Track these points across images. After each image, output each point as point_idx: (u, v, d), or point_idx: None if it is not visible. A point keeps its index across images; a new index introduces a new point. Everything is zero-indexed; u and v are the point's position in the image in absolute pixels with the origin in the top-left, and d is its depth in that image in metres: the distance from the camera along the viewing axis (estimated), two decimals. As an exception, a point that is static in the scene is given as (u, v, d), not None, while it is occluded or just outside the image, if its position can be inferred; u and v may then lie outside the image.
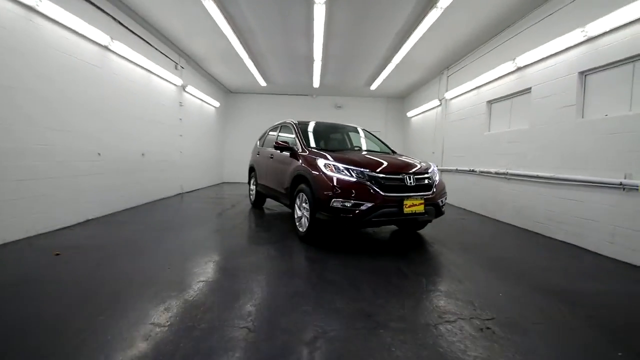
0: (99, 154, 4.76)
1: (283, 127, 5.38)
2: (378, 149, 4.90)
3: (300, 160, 4.04)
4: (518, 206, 5.14)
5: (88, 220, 4.45)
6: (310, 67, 8.10)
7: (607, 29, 3.64)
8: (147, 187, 6.17)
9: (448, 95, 7.78)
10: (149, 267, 2.88)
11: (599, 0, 3.80)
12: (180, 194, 7.76)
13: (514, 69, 5.28)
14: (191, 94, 8.25)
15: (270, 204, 6.60)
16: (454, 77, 7.65)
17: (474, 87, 6.61)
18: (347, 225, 3.49)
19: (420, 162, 3.96)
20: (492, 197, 5.87)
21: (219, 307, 2.16)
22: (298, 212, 3.97)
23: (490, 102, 6.20)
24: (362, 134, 5.30)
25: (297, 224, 3.98)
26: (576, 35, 3.98)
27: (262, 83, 9.64)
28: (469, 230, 4.90)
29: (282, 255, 3.37)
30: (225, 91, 11.27)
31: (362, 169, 3.40)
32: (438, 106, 8.53)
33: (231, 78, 9.58)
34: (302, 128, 4.74)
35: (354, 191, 3.28)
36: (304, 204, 3.80)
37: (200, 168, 9.33)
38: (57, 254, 3.06)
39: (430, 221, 4.06)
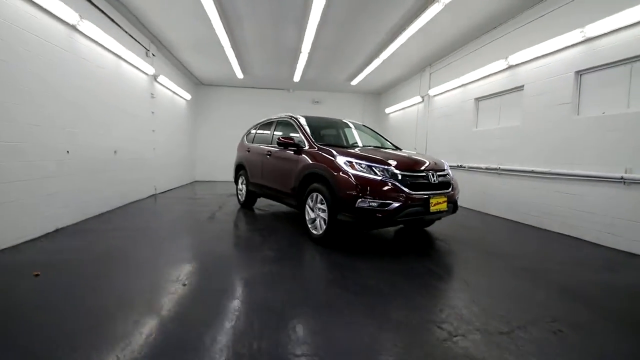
0: (67, 151, 4.06)
1: (280, 122, 5.04)
2: (384, 146, 4.76)
3: (310, 158, 3.77)
4: (511, 200, 5.32)
5: (58, 230, 3.78)
6: (295, 60, 7.76)
7: (606, 31, 3.82)
8: (120, 188, 5.46)
9: (432, 92, 7.89)
10: (141, 291, 2.39)
11: (594, 2, 3.98)
12: (154, 195, 7.04)
13: (505, 67, 5.43)
14: (163, 85, 7.50)
15: (260, 203, 6.21)
16: (437, 74, 7.78)
17: (461, 84, 6.74)
18: (371, 227, 3.30)
19: (434, 159, 3.89)
20: (482, 192, 6.04)
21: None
22: (311, 214, 3.70)
23: (478, 99, 6.37)
24: (366, 130, 5.13)
25: (310, 226, 3.71)
26: (574, 36, 4.14)
27: (240, 75, 9.08)
28: (467, 225, 4.97)
29: (305, 263, 3.10)
30: (196, 83, 10.48)
31: (386, 167, 3.23)
32: (420, 103, 8.65)
33: (205, 69, 8.88)
34: (307, 123, 4.45)
35: (381, 190, 3.10)
36: (319, 205, 3.54)
37: (173, 166, 8.57)
38: (37, 275, 2.50)
39: (439, 218, 4.02)
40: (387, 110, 10.79)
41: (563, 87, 4.45)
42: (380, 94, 11.76)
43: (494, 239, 4.22)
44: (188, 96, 9.26)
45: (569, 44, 4.28)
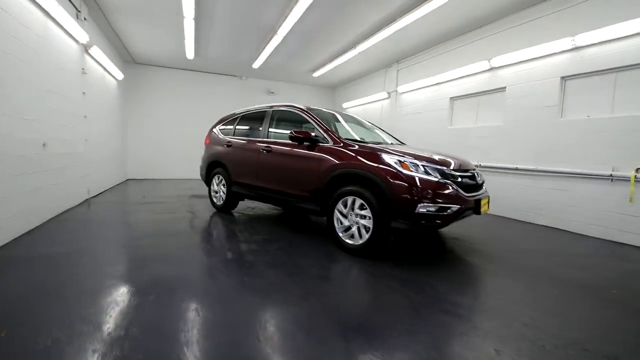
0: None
1: (278, 113, 4.33)
2: (390, 141, 4.47)
3: (337, 156, 3.26)
4: (494, 196, 5.62)
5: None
6: (263, 43, 6.92)
7: (595, 42, 4.19)
8: (50, 194, 4.03)
9: (400, 89, 7.95)
10: None
11: (583, 14, 4.34)
12: (87, 200, 5.49)
13: (487, 68, 5.67)
14: (94, 59, 5.88)
15: (239, 206, 5.34)
16: (406, 71, 7.85)
17: (435, 83, 6.89)
18: (425, 232, 2.98)
19: (463, 158, 3.73)
20: (460, 188, 6.28)
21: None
22: (343, 221, 3.19)
23: (453, 99, 6.59)
24: (367, 124, 4.75)
25: (342, 234, 3.20)
26: (565, 43, 4.46)
27: (190, 55, 7.75)
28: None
29: (363, 284, 2.60)
30: (127, 60, 8.63)
31: (439, 167, 2.93)
32: (386, 99, 8.67)
33: (145, 43, 7.31)
34: (320, 115, 3.87)
35: (440, 193, 2.80)
36: (357, 210, 3.06)
37: (106, 163, 6.88)
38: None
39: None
40: (345, 105, 10.61)
41: (548, 91, 4.79)
42: (334, 87, 11.53)
43: (493, 236, 4.32)
44: (120, 75, 7.53)
45: (557, 50, 4.60)
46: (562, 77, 4.63)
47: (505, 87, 5.45)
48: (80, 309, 1.90)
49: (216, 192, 5.07)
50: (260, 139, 4.29)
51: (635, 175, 3.81)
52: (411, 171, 2.83)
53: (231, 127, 5.03)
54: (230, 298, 2.13)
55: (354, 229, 3.11)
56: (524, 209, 5.12)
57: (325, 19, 5.66)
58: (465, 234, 4.14)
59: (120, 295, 2.09)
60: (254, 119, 4.69)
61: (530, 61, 5.02)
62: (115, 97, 7.68)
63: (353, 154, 3.17)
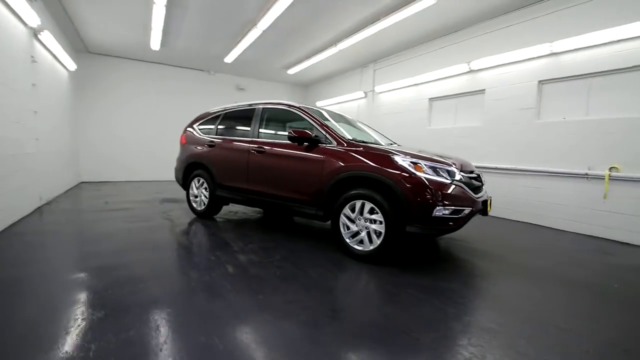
0: None
1: (269, 111, 4.04)
2: (382, 141, 4.37)
3: (342, 158, 3.09)
4: (474, 194, 5.81)
5: None
6: (240, 36, 6.51)
7: (571, 48, 4.45)
8: (-3, 204, 3.38)
9: (378, 88, 7.96)
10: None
11: (561, 22, 4.59)
12: (39, 208, 4.75)
13: (466, 70, 5.84)
14: (45, 46, 5.10)
15: (222, 211, 4.95)
16: (384, 71, 7.89)
17: (414, 83, 6.98)
18: (437, 236, 2.91)
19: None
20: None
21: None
22: (351, 226, 3.03)
23: (432, 99, 6.71)
24: (358, 123, 4.62)
25: (350, 241, 3.04)
26: (543, 49, 4.69)
27: (155, 46, 7.08)
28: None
29: (379, 294, 2.46)
30: (80, 49, 7.68)
31: (449, 168, 2.87)
32: (362, 98, 8.65)
33: (104, 30, 6.53)
34: (317, 114, 3.67)
35: (454, 195, 2.74)
36: (367, 215, 2.91)
37: (59, 164, 6.05)
38: None
39: None
40: (320, 104, 10.43)
41: (526, 94, 5.03)
42: (307, 86, 11.33)
43: (484, 233, 4.43)
44: (72, 66, 6.66)
45: (535, 55, 4.83)
46: (540, 81, 4.88)
47: (484, 89, 5.64)
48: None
49: (196, 197, 4.64)
50: (250, 139, 3.97)
51: (609, 174, 4.10)
52: (425, 173, 2.74)
53: (212, 125, 4.63)
54: (251, 322, 1.87)
55: (363, 234, 2.96)
56: (503, 206, 5.33)
57: (310, 14, 5.44)
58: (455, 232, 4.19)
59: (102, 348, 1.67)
60: (240, 117, 4.35)
61: (509, 65, 5.23)
62: (67, 90, 6.79)
63: (360, 156, 3.02)
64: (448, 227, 2.74)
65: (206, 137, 4.55)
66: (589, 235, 4.31)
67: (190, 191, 4.71)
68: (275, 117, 4.03)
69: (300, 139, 3.33)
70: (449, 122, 6.43)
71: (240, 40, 6.68)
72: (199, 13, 5.51)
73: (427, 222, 2.67)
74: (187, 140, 4.86)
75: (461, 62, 5.86)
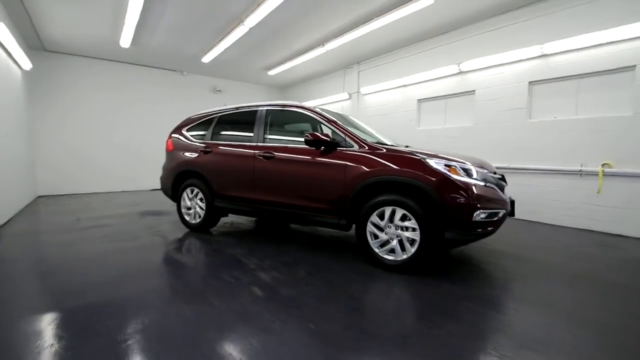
0: None
1: (273, 114, 3.75)
2: (388, 141, 4.24)
3: (366, 163, 2.91)
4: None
5: None
6: (223, 34, 6.10)
7: (561, 50, 4.63)
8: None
9: (364, 90, 7.89)
10: None
11: (550, 25, 4.77)
12: (-4, 230, 4.04)
13: (456, 72, 5.92)
14: (-3, 40, 4.38)
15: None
16: (369, 72, 7.84)
17: (401, 85, 6.99)
18: (473, 241, 2.81)
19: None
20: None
21: None
22: (379, 235, 2.84)
23: (421, 101, 6.75)
24: (360, 124, 4.44)
25: (379, 250, 2.85)
26: (533, 51, 4.84)
27: (125, 43, 6.42)
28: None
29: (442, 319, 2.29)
30: (35, 46, 6.77)
31: (480, 169, 2.79)
32: (347, 99, 8.55)
33: (66, 25, 5.78)
34: (335, 116, 3.46)
35: (490, 198, 2.67)
36: (398, 222, 2.74)
37: (13, 176, 5.23)
38: None
39: None
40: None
41: (517, 94, 5.18)
42: (285, 87, 11.04)
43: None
44: (27, 64, 5.84)
45: (526, 57, 4.99)
46: (530, 82, 5.04)
47: (474, 90, 5.75)
48: None
49: (189, 209, 4.20)
50: (255, 144, 3.65)
51: (603, 170, 4.30)
52: (461, 176, 2.63)
53: (204, 130, 4.22)
54: None
55: (394, 243, 2.79)
56: (499, 204, 5.44)
57: (302, 11, 5.20)
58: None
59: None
60: (238, 120, 4.01)
61: (499, 66, 5.36)
62: (21, 92, 5.94)
63: (387, 160, 2.84)
64: (487, 232, 2.65)
65: (199, 143, 4.14)
66: (584, 229, 4.50)
67: (182, 203, 4.25)
68: (283, 119, 3.76)
69: (319, 143, 3.08)
70: (439, 123, 6.49)
71: (223, 38, 6.26)
72: (181, 7, 5.04)
73: (467, 227, 2.56)
74: (176, 147, 4.40)
75: (451, 63, 5.94)
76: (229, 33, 5.96)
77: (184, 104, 8.83)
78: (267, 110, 3.76)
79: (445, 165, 2.67)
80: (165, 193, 4.53)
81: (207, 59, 7.46)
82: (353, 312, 2.10)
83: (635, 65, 4.04)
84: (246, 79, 9.76)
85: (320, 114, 3.39)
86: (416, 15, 5.18)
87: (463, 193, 2.55)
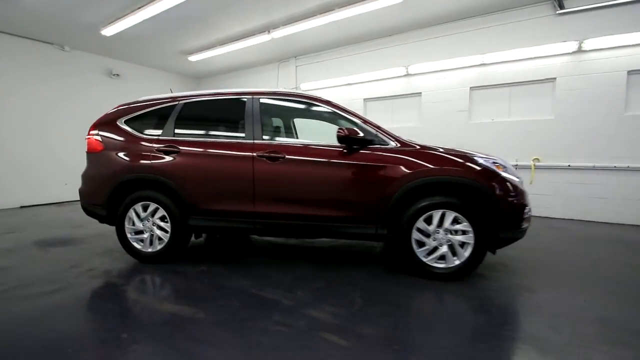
0: None
1: (264, 104, 2.99)
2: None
3: (409, 162, 2.60)
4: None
5: None
6: (139, 2, 4.70)
7: (497, 61, 5.31)
8: None
9: (304, 86, 7.48)
10: None
11: (489, 37, 5.40)
12: None
13: (404, 74, 6.17)
14: None
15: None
16: (309, 68, 7.49)
17: (346, 83, 6.90)
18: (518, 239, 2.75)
19: None
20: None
21: None
22: (429, 242, 2.56)
23: (367, 100, 6.80)
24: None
25: (427, 259, 2.56)
26: (475, 59, 5.41)
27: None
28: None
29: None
30: None
31: (511, 165, 2.83)
32: (282, 96, 7.95)
33: None
34: (346, 110, 2.95)
35: (525, 194, 2.70)
36: (449, 226, 2.51)
37: None
38: None
39: None
40: (222, 100, 9.00)
41: (459, 98, 5.73)
42: (201, 78, 9.61)
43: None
44: None
45: (468, 65, 5.55)
46: (471, 87, 5.64)
47: (421, 92, 6.10)
48: None
49: (140, 232, 3.00)
50: (251, 142, 2.83)
51: (534, 164, 5.13)
52: (508, 174, 2.59)
53: (159, 124, 3.09)
54: None
55: (444, 249, 2.55)
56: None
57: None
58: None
59: None
60: (218, 111, 3.07)
61: (445, 71, 5.82)
62: None
63: (430, 160, 2.59)
64: (526, 229, 2.67)
65: (153, 141, 2.99)
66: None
67: (127, 225, 3.00)
68: (286, 111, 3.08)
69: (354, 140, 2.59)
70: (385, 123, 6.57)
71: (142, 7, 4.83)
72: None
73: (519, 225, 2.53)
74: (108, 146, 3.08)
75: (399, 65, 6.14)
76: (150, 2, 4.63)
77: (67, 89, 6.63)
78: (261, 100, 2.97)
79: (493, 162, 2.59)
80: (89, 213, 3.15)
81: (109, 31, 5.68)
82: (476, 337, 1.75)
83: (555, 78, 4.94)
84: (154, 63, 7.98)
85: (338, 106, 2.88)
86: (373, 14, 5.11)
87: (514, 190, 2.52)
